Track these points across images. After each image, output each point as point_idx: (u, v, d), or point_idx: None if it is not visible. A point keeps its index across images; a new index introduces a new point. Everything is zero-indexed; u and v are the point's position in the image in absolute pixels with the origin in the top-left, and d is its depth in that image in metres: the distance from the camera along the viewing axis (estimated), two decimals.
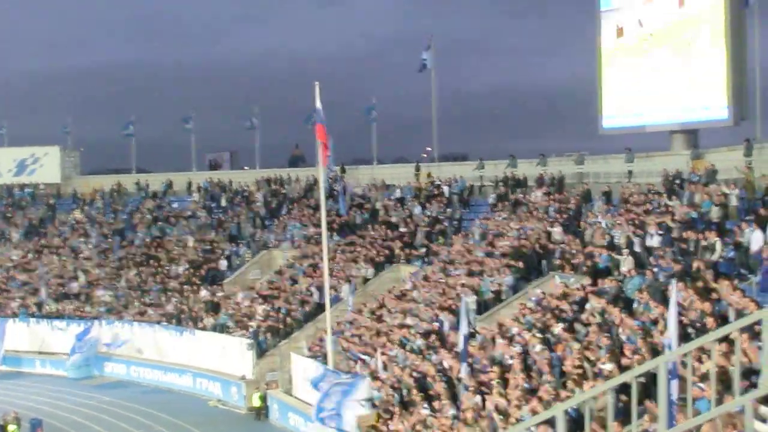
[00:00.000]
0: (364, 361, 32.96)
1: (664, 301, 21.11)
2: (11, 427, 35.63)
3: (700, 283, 21.47)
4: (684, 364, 11.13)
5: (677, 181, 33.43)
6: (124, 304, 51.22)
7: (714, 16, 38.05)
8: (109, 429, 38.51)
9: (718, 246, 24.41)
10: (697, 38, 38.93)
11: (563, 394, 19.21)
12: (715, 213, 28.06)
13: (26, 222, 64.45)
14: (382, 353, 31.69)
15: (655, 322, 20.39)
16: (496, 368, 23.96)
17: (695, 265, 23.22)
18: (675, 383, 11.02)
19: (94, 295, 53.09)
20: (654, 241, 28.05)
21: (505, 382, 22.62)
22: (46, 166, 69.65)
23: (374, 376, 30.48)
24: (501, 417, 20.25)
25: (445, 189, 46.45)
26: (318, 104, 24.60)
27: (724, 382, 13.14)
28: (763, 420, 10.21)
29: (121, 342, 47.92)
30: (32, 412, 40.33)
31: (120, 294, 52.37)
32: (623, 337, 20.72)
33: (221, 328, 44.62)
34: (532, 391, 20.91)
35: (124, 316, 49.86)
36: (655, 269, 24.86)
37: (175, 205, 60.95)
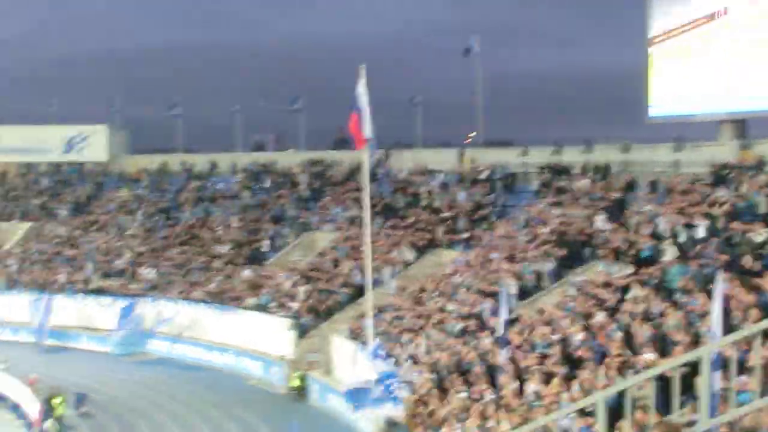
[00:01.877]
0: (402, 345, 33.09)
1: (708, 292, 20.98)
2: (56, 400, 36.21)
3: (746, 275, 21.31)
4: (727, 356, 11.10)
5: (724, 172, 33.07)
6: (168, 282, 51.74)
7: None
8: (151, 404, 39.02)
9: (766, 237, 24.18)
10: (750, 26, 38.40)
11: (603, 382, 19.17)
12: (762, 204, 27.76)
13: (74, 199, 65.32)
14: (426, 337, 31.78)
15: (699, 314, 20.27)
16: (535, 354, 23.96)
17: (741, 256, 23.03)
18: (718, 374, 10.98)
19: (139, 272, 53.68)
20: (699, 232, 27.82)
21: (544, 369, 22.61)
22: (94, 144, 70.34)
23: (415, 360, 30.60)
24: (540, 403, 20.27)
25: (489, 174, 46.31)
26: (360, 88, 24.46)
27: None
28: None
29: (164, 320, 48.46)
30: (77, 386, 40.95)
31: (164, 272, 52.91)
32: (665, 327, 20.63)
33: (263, 308, 44.97)
34: (571, 379, 20.89)
35: (168, 294, 50.40)
36: (701, 260, 24.67)
37: (219, 186, 61.34)
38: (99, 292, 53.03)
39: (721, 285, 14.62)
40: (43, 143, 70.53)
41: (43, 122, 72.42)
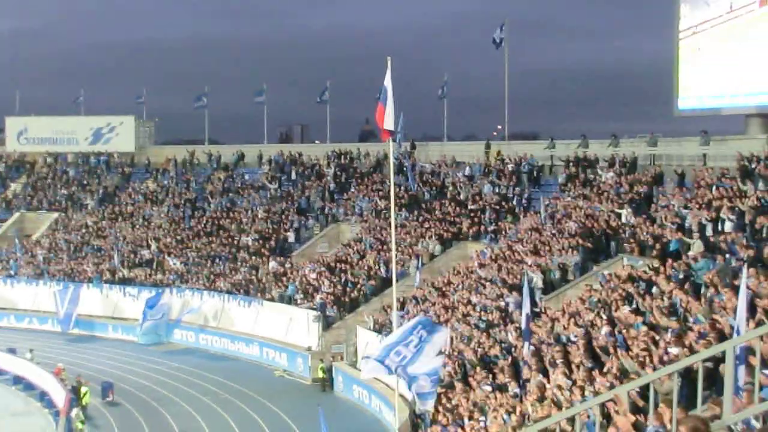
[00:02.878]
0: None
1: (734, 287, 20.85)
2: (84, 389, 36.54)
3: None
4: (752, 350, 11.04)
5: (752, 166, 32.79)
6: (194, 272, 52.00)
7: None
8: (177, 394, 39.31)
9: None
10: None
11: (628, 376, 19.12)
12: None
13: (101, 189, 65.77)
14: (451, 329, 31.77)
15: (724, 309, 20.15)
16: (559, 348, 23.91)
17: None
18: (742, 369, 10.93)
19: (165, 263, 53.98)
20: (726, 226, 27.64)
21: (568, 362, 22.57)
22: (121, 135, 70.86)
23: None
24: (564, 397, 20.23)
25: (515, 167, 46.20)
26: (387, 80, 24.39)
27: None
28: None
29: (190, 309, 48.79)
30: (104, 375, 41.36)
31: (190, 263, 53.17)
32: (691, 321, 20.53)
33: (288, 300, 45.12)
34: (596, 372, 20.82)
35: (194, 285, 50.65)
36: (727, 255, 24.52)
37: (245, 177, 61.55)
38: (125, 282, 53.39)
39: (746, 280, 14.53)
40: (70, 134, 71.19)
41: (70, 113, 73.02)
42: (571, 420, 13.31)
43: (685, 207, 31.21)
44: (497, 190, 44.94)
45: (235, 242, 53.39)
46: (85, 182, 67.55)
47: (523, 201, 42.94)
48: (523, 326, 25.75)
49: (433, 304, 36.06)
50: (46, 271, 56.23)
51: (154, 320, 49.52)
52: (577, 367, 21.69)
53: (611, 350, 21.32)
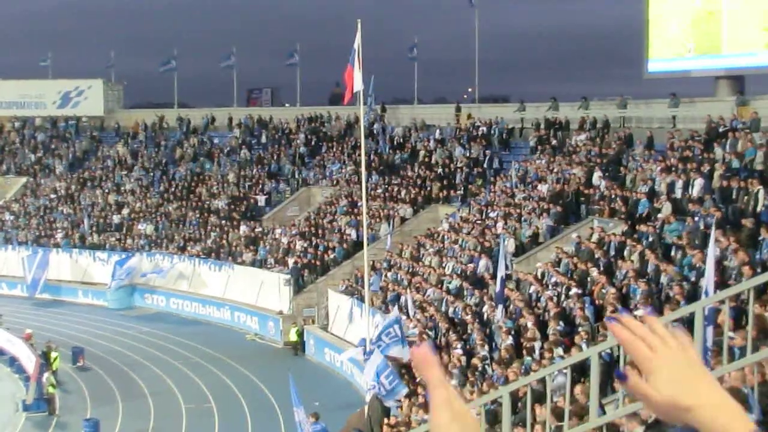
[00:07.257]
0: (398, 299, 33.20)
1: (702, 248, 20.99)
2: (54, 354, 36.35)
3: (741, 232, 21.33)
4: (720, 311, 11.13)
5: (720, 128, 32.92)
6: (165, 237, 51.73)
7: None
8: (148, 359, 39.18)
9: (761, 195, 24.13)
10: None
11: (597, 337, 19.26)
12: (758, 161, 27.67)
13: (70, 154, 65.08)
14: (418, 292, 31.85)
15: (693, 269, 20.31)
16: (530, 311, 24.04)
17: (735, 213, 23.03)
18: (710, 330, 11.02)
19: (136, 228, 53.67)
20: (695, 188, 27.78)
21: (539, 325, 22.70)
22: (90, 98, 69.95)
23: (410, 316, 30.72)
24: (534, 359, 20.36)
25: (485, 130, 46.15)
26: (357, 43, 24.34)
27: (762, 331, 13.11)
28: None
29: (160, 270, 48.56)
30: (73, 340, 41.15)
31: (160, 227, 52.89)
32: (662, 283, 20.70)
33: (259, 264, 45.03)
34: (566, 335, 20.98)
35: (165, 250, 50.41)
36: (696, 216, 24.68)
37: (216, 141, 61.06)
38: (95, 247, 53.05)
39: (714, 242, 14.62)
40: (38, 98, 70.18)
41: (38, 76, 72.07)
42: (542, 382, 13.39)
43: (654, 169, 31.34)
44: (468, 154, 44.91)
45: (206, 206, 53.13)
46: (53, 147, 66.81)
47: (494, 164, 42.95)
48: (497, 289, 25.84)
49: (407, 272, 36.12)
50: (15, 237, 55.75)
51: (119, 280, 49.18)
52: (548, 329, 21.83)
53: (581, 312, 21.46)
